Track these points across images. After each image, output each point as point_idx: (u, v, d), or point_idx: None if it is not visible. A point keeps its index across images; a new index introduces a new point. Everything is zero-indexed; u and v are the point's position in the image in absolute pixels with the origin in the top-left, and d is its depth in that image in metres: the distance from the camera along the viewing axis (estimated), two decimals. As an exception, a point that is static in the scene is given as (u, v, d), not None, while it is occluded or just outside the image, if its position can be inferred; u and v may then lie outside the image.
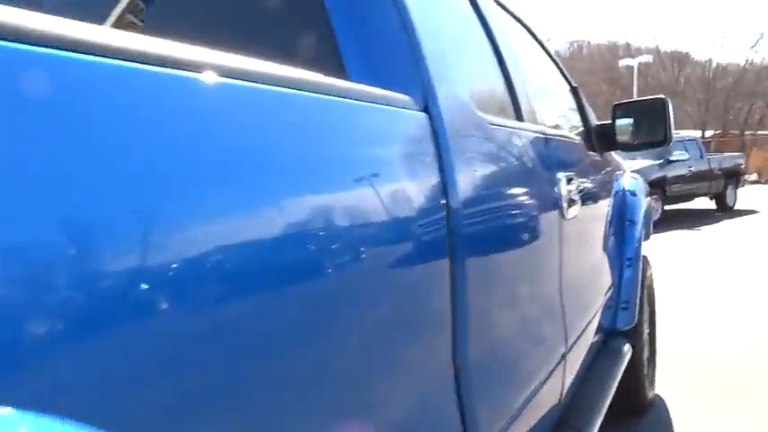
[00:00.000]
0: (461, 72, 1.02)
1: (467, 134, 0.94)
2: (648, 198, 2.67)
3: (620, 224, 2.32)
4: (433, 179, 0.81)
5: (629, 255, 2.31)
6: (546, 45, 1.97)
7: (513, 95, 1.33)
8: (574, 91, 2.07)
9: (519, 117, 1.31)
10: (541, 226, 1.24)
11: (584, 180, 1.68)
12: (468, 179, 0.90)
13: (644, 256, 2.52)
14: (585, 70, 27.11)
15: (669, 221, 9.20)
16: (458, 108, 0.94)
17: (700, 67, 29.26)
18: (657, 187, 9.57)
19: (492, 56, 1.33)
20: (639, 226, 2.39)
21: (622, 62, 26.99)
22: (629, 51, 28.84)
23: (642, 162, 9.32)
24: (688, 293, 4.58)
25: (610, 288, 2.16)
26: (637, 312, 2.28)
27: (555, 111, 1.96)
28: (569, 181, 1.44)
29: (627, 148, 2.16)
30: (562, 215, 1.37)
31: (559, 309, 1.35)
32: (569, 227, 1.44)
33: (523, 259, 1.14)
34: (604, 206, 2.07)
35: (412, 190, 0.77)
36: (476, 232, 0.90)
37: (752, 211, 10.77)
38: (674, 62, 28.87)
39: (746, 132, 25.31)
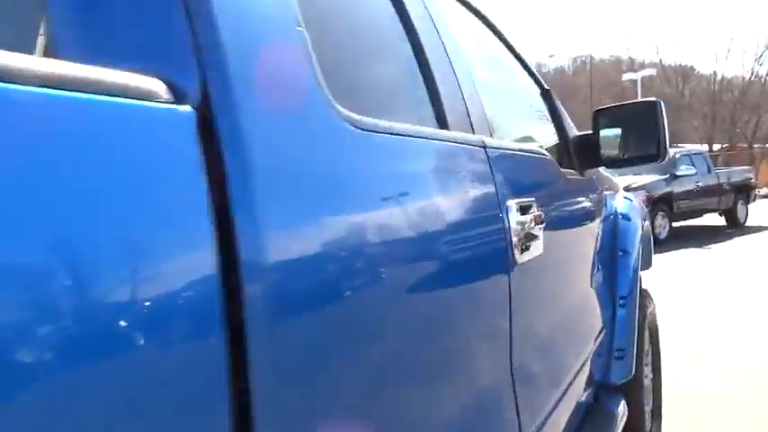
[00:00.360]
0: (322, 57, 0.65)
1: (299, 143, 0.57)
2: (646, 221, 2.28)
3: (612, 255, 1.93)
4: (201, 215, 0.44)
5: (623, 292, 1.92)
6: (508, 39, 1.60)
7: (434, 96, 0.94)
8: (546, 95, 1.68)
9: (441, 123, 0.93)
10: (462, 278, 0.85)
11: (553, 207, 1.30)
12: (291, 216, 0.53)
13: (644, 290, 2.14)
14: (589, 84, 26.81)
15: (677, 239, 8.83)
16: (285, 103, 0.57)
17: (704, 80, 28.90)
18: (664, 203, 9.26)
19: (404, 44, 0.95)
20: (635, 255, 2.01)
21: (626, 76, 26.77)
22: (633, 66, 28.58)
23: (647, 177, 8.99)
24: (698, 322, 4.17)
25: (601, 332, 1.78)
26: (634, 362, 1.88)
27: (515, 119, 1.58)
28: (524, 210, 1.06)
29: (614, 163, 1.78)
30: (511, 258, 0.99)
31: (509, 392, 0.96)
32: (525, 272, 1.05)
33: (418, 340, 0.73)
34: (587, 235, 1.68)
35: (158, 234, 0.41)
36: (305, 302, 0.52)
37: (765, 228, 10.31)
38: (678, 76, 28.50)
39: (755, 145, 24.82)
